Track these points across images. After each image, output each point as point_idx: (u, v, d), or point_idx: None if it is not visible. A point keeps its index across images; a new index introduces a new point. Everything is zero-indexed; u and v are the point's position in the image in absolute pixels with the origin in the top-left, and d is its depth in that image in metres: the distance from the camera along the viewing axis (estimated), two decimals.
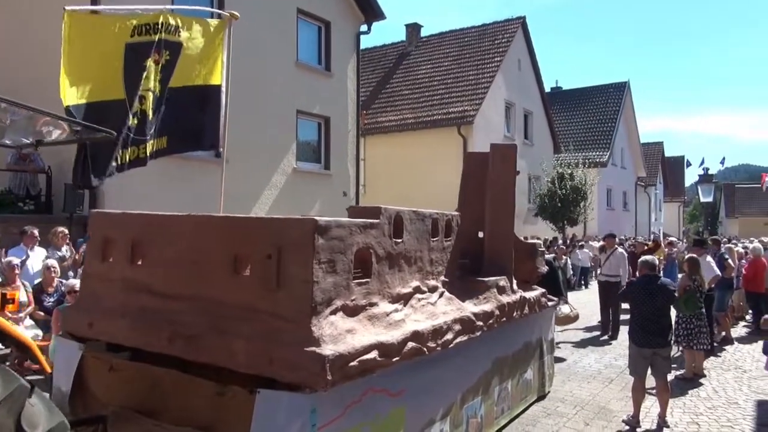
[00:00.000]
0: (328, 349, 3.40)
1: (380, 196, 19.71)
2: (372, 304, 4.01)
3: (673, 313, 6.92)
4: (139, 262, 4.25)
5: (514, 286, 5.87)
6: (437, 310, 4.59)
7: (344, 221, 3.79)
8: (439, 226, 4.95)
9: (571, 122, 33.66)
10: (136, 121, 5.28)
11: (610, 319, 11.42)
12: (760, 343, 9.38)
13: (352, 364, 3.51)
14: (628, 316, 10.06)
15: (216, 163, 13.60)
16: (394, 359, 3.86)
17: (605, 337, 11.22)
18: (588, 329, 11.93)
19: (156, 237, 4.16)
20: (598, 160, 29.92)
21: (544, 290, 6.71)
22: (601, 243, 12.54)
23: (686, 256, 9.49)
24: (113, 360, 4.20)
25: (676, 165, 48.71)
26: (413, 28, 27.55)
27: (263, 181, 14.91)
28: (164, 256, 4.09)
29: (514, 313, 5.69)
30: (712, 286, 9.79)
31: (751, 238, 20.96)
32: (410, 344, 4.01)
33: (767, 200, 53.46)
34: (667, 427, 6.28)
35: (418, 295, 4.53)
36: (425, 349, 4.17)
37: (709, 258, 10.21)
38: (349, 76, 17.71)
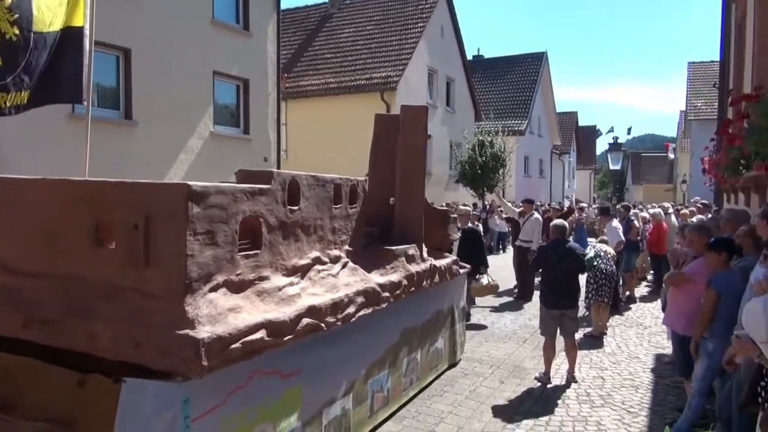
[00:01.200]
0: (204, 332, 2.94)
1: (302, 162, 19.02)
2: (262, 278, 3.57)
3: (582, 277, 7.09)
4: None
5: (425, 255, 5.55)
6: (339, 282, 4.20)
7: (226, 187, 3.29)
8: (342, 192, 4.52)
9: (492, 91, 33.72)
10: None
11: (529, 281, 11.53)
12: (660, 301, 9.70)
13: (233, 346, 3.07)
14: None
15: (127, 125, 12.61)
16: (286, 338, 3.46)
17: (521, 300, 11.32)
18: (505, 293, 11.94)
19: (6, 204, 3.50)
20: (516, 128, 30.23)
21: (455, 258, 6.44)
22: (521, 208, 12.51)
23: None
24: None
25: (589, 134, 50.34)
26: None
27: (178, 145, 13.89)
28: (16, 227, 3.45)
29: (424, 283, 5.39)
30: (619, 250, 10.10)
31: (653, 204, 21.89)
32: (305, 321, 3.61)
33: (669, 168, 56.65)
34: (575, 381, 6.45)
35: (317, 267, 4.12)
36: (323, 324, 3.79)
37: (615, 224, 10.55)
38: (269, 37, 16.68)
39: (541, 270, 6.72)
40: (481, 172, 23.68)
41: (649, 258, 13.24)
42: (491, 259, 14.51)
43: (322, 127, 21.58)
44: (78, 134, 11.17)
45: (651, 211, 14.15)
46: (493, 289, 9.21)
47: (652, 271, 13.70)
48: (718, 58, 15.23)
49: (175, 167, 13.75)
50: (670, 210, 15.28)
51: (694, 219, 11.04)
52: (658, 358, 7.51)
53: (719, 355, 4.26)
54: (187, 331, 2.91)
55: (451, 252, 7.65)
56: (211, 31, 14.62)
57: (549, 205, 21.43)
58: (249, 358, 3.19)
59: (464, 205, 11.50)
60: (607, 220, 10.47)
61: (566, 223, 7.07)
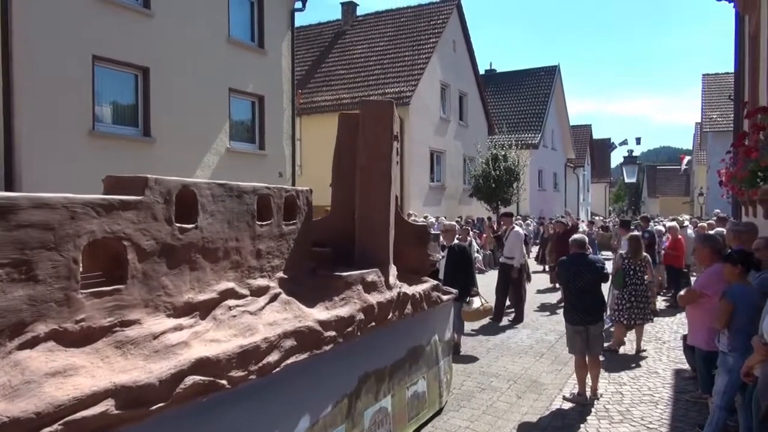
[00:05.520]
0: None
1: (317, 178, 18.08)
2: (127, 323, 2.44)
3: (605, 289, 6.64)
4: None
5: (391, 280, 4.27)
6: (260, 321, 3.02)
7: (52, 198, 2.17)
8: (272, 205, 3.36)
9: (505, 104, 32.20)
10: None
11: (505, 302, 10.02)
12: (678, 315, 9.54)
13: (47, 430, 1.94)
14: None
15: (145, 142, 11.94)
16: (156, 407, 2.31)
17: (504, 322, 9.77)
18: (507, 313, 10.64)
19: None
20: (530, 141, 28.74)
21: (436, 282, 5.11)
22: (503, 226, 11.10)
23: (628, 236, 8.61)
24: None
25: (603, 147, 48.19)
26: (349, 7, 25.51)
27: (195, 162, 13.26)
28: None
29: (390, 315, 4.14)
30: None
31: (671, 217, 20.32)
32: (191, 379, 2.46)
33: (686, 181, 54.04)
34: (597, 398, 6.00)
35: (230, 302, 2.96)
36: (224, 381, 2.63)
37: None
38: (283, 54, 16.03)
39: (561, 286, 6.25)
40: (495, 185, 22.49)
41: (665, 272, 11.92)
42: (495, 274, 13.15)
43: None
44: (98, 149, 10.78)
45: (668, 224, 12.96)
46: (486, 313, 7.83)
47: (668, 285, 12.36)
48: (732, 70, 13.84)
49: None
50: (686, 223, 13.93)
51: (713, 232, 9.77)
52: (678, 373, 6.92)
53: (740, 369, 4.02)
54: None
55: (436, 274, 6.38)
56: (227, 49, 14.16)
57: (557, 217, 19.64)
58: None
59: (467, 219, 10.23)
60: (625, 233, 9.53)
61: (585, 237, 6.40)
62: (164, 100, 12.28)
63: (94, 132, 10.82)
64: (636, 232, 8.95)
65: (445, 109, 23.23)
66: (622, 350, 8.03)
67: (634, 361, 7.53)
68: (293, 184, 16.31)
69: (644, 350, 7.95)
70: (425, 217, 16.30)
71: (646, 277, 7.93)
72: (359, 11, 25.99)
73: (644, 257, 8.03)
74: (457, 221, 18.72)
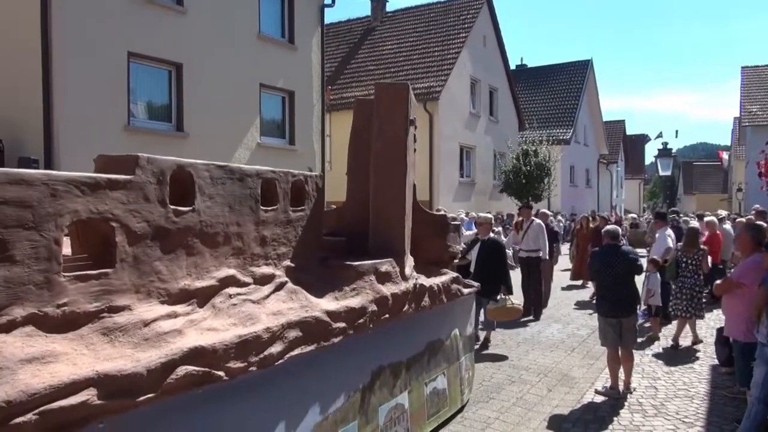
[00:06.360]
0: None
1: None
2: (116, 309, 2.26)
3: (639, 281, 6.49)
4: None
5: (407, 271, 3.98)
6: (263, 310, 2.81)
7: (31, 174, 2.01)
8: (278, 189, 3.15)
9: (536, 99, 31.34)
10: None
11: (531, 296, 9.52)
12: (714, 312, 9.11)
13: (20, 420, 1.79)
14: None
15: (178, 137, 12.02)
16: (143, 398, 2.14)
17: (530, 318, 9.31)
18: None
19: None
20: (561, 137, 27.95)
21: (456, 275, 4.82)
22: (519, 218, 10.62)
23: (688, 227, 8.52)
24: None
25: (637, 143, 46.58)
26: (378, 3, 25.21)
27: (226, 156, 13.29)
28: None
29: (405, 307, 3.88)
30: (666, 257, 8.74)
31: (707, 212, 19.50)
32: (183, 369, 2.28)
33: (723, 177, 51.82)
34: (630, 392, 5.77)
35: (231, 290, 2.76)
36: (220, 373, 2.44)
37: (668, 231, 9.18)
38: (313, 50, 15.94)
39: (594, 278, 6.11)
40: (525, 181, 21.95)
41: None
42: None
43: None
44: (132, 144, 10.89)
45: (705, 219, 12.37)
46: (513, 313, 7.36)
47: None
48: None
49: None
50: (722, 216, 13.32)
51: None
52: (714, 368, 6.67)
53: None
54: None
55: (468, 268, 5.98)
56: (257, 45, 14.17)
57: (597, 213, 18.82)
58: None
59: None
60: (660, 226, 9.12)
61: (618, 228, 6.14)
62: (197, 96, 12.39)
63: (128, 127, 10.99)
64: (695, 224, 8.73)
65: (475, 104, 22.78)
66: (656, 345, 7.77)
67: (669, 355, 7.28)
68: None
69: (680, 345, 7.62)
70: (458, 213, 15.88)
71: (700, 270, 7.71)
72: (389, 7, 25.73)
73: (702, 250, 7.78)
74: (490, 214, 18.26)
